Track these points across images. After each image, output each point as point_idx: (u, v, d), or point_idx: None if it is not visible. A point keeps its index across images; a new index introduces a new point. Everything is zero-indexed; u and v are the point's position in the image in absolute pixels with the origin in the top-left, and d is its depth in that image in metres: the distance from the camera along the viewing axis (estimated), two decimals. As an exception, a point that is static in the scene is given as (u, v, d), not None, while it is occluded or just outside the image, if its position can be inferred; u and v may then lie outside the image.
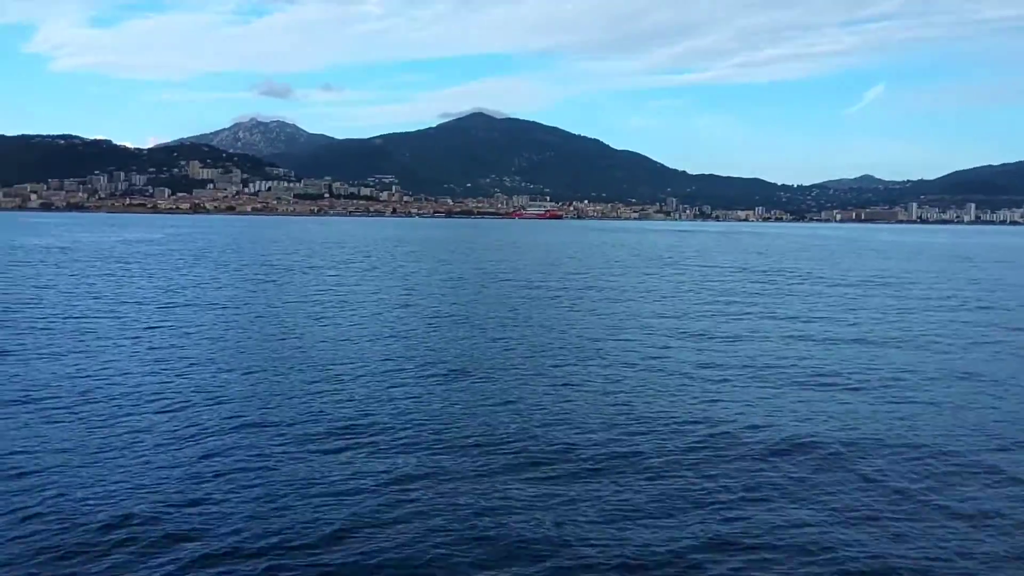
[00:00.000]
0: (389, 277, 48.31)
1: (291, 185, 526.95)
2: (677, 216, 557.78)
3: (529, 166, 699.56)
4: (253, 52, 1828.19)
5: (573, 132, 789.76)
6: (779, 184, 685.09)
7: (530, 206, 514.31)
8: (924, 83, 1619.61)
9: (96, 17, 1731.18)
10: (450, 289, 40.42)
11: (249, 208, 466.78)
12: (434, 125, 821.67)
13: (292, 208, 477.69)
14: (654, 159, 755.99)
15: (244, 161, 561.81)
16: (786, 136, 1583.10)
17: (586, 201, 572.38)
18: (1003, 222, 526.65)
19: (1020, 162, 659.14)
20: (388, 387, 17.05)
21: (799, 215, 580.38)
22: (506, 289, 40.63)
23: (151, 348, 21.35)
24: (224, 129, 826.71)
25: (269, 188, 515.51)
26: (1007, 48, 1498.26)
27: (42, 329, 24.44)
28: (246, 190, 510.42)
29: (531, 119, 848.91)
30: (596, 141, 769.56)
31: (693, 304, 34.68)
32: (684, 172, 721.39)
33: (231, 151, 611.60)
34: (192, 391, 16.43)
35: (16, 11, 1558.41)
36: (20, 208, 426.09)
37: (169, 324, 26.16)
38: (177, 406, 15.14)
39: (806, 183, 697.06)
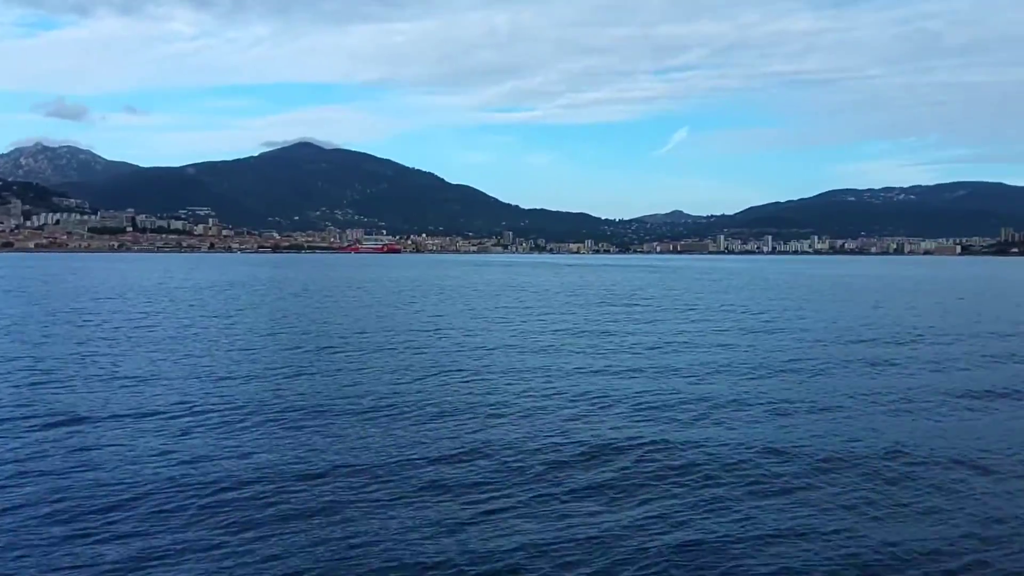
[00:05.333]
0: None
1: (85, 218, 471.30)
2: (514, 249, 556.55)
3: (363, 199, 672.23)
4: (39, 70, 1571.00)
5: (408, 165, 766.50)
6: (603, 219, 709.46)
7: (366, 240, 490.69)
8: (721, 128, 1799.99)
9: None
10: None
11: (32, 244, 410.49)
12: (256, 154, 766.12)
13: (86, 243, 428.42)
14: (488, 193, 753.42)
15: (26, 191, 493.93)
16: (607, 174, 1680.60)
17: (424, 234, 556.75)
18: (795, 252, 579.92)
19: (802, 199, 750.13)
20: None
21: (624, 247, 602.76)
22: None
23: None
24: (1, 155, 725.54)
25: (57, 221, 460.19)
26: (788, 99, 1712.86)
27: None
28: (28, 223, 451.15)
29: (363, 151, 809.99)
30: (431, 175, 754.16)
31: None
32: (517, 206, 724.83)
33: (10, 179, 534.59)
34: None
35: None
36: None
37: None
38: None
39: (626, 218, 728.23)
